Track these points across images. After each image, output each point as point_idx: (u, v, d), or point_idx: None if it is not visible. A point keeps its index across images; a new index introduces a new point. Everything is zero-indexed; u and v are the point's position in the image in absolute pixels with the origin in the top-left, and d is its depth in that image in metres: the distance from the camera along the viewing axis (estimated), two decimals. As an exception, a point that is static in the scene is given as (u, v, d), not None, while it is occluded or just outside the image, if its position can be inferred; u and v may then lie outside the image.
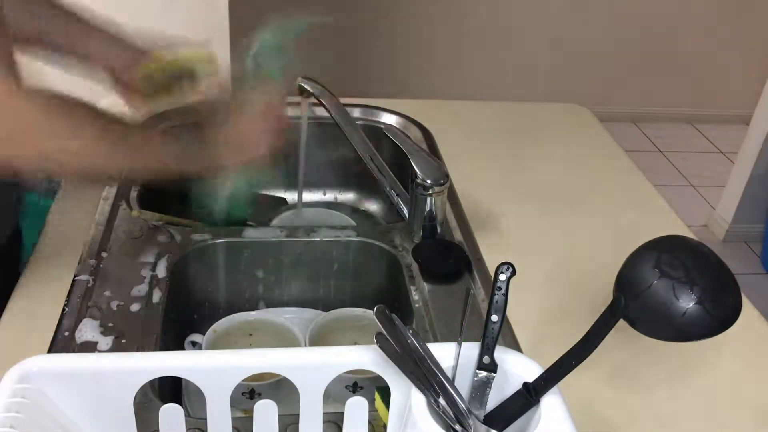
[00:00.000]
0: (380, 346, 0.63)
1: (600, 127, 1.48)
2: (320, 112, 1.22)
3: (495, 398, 0.65)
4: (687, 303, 0.58)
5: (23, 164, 0.73)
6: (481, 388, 0.64)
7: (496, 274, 0.66)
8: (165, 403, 0.64)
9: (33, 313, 0.88)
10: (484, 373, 0.64)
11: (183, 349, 0.98)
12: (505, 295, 0.65)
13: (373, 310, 0.63)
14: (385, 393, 0.68)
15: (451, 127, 1.32)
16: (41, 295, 0.90)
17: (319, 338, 0.96)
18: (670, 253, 0.60)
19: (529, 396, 0.63)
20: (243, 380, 0.64)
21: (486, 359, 0.64)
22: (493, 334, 0.64)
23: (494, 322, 0.65)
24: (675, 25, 3.50)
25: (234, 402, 0.65)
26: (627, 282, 0.62)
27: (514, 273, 0.66)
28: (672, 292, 0.58)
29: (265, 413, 0.65)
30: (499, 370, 0.64)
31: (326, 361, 0.65)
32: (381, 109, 1.38)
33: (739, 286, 0.62)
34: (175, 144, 0.91)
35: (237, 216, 1.08)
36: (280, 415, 0.66)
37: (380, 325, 0.63)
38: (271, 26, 0.93)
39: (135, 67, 0.93)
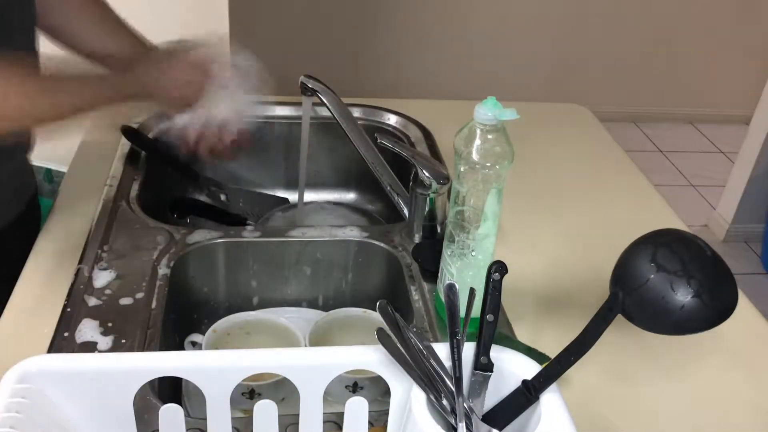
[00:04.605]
0: (381, 342, 0.63)
1: (600, 127, 1.48)
2: (321, 111, 1.22)
3: (494, 397, 0.65)
4: (685, 296, 0.58)
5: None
6: (478, 388, 0.64)
7: (489, 274, 0.66)
8: (165, 403, 0.64)
9: (33, 313, 0.88)
10: (480, 373, 0.64)
11: (183, 349, 0.98)
12: (499, 294, 0.66)
13: (372, 310, 0.64)
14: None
15: (451, 127, 1.33)
16: (41, 295, 0.90)
17: (319, 338, 0.96)
18: (666, 247, 0.60)
19: (528, 394, 0.63)
20: (243, 380, 0.64)
21: (483, 359, 0.64)
22: (489, 334, 0.64)
23: (489, 322, 0.65)
24: (675, 25, 3.50)
25: (234, 402, 0.65)
26: (624, 277, 0.62)
27: (506, 272, 0.66)
28: (669, 286, 0.58)
29: (265, 413, 0.65)
30: (496, 369, 0.64)
31: (326, 361, 0.65)
32: (381, 108, 1.38)
33: (740, 286, 0.62)
34: None
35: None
36: (280, 415, 0.66)
37: (383, 320, 0.63)
38: None
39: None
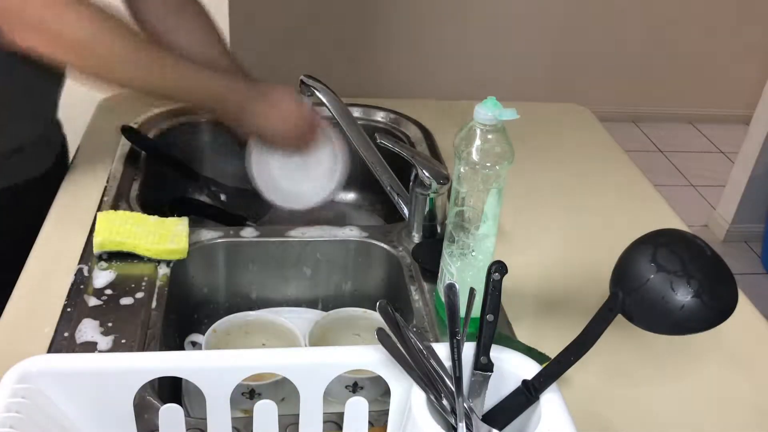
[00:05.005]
0: (381, 342, 0.63)
1: (600, 127, 1.48)
2: (322, 111, 1.22)
3: (494, 397, 0.65)
4: (685, 296, 0.58)
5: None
6: (478, 388, 0.64)
7: (489, 274, 0.66)
8: (165, 403, 0.64)
9: (33, 313, 0.88)
10: (480, 373, 0.64)
11: (183, 349, 0.98)
12: (499, 294, 0.65)
13: (372, 310, 0.64)
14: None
15: (451, 127, 1.33)
16: (41, 295, 0.90)
17: (319, 338, 0.96)
18: (666, 247, 0.60)
19: (528, 393, 0.63)
20: (243, 380, 0.64)
21: (483, 359, 0.64)
22: (489, 334, 0.64)
23: (489, 322, 0.65)
24: (675, 25, 3.50)
25: (234, 402, 0.65)
26: (624, 277, 0.62)
27: (506, 272, 0.66)
28: (669, 286, 0.58)
29: (265, 413, 0.65)
30: (496, 369, 0.64)
31: (326, 361, 0.65)
32: (381, 108, 1.38)
33: (740, 286, 0.62)
34: None
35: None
36: (280, 415, 0.66)
37: (383, 320, 0.63)
38: None
39: None
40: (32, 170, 1.09)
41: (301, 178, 1.14)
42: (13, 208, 1.06)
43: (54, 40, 0.88)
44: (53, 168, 1.14)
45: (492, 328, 0.65)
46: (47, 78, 1.04)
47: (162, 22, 1.08)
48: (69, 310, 0.87)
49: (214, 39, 1.13)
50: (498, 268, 0.66)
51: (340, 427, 0.69)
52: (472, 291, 0.68)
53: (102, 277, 0.93)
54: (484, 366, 0.64)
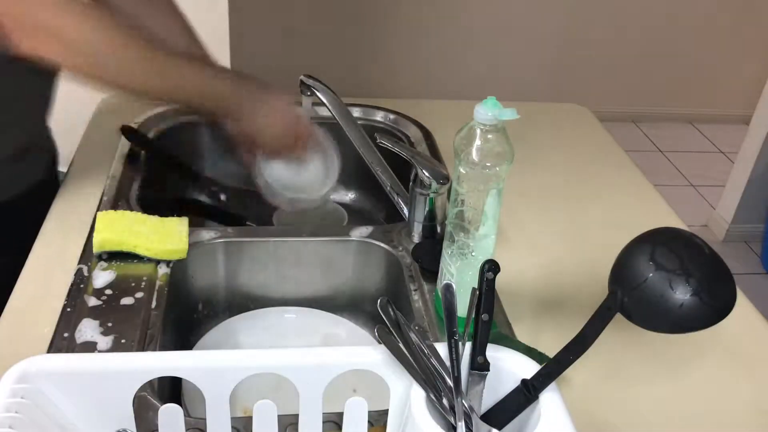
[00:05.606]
0: (381, 339, 0.63)
1: (600, 127, 1.48)
2: (321, 111, 1.22)
3: (493, 397, 0.65)
4: (684, 295, 0.58)
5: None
6: (475, 387, 0.64)
7: (483, 273, 0.66)
8: (165, 403, 0.64)
9: (33, 313, 0.88)
10: (477, 373, 0.64)
11: (183, 348, 0.98)
12: (493, 293, 0.65)
13: (372, 310, 0.63)
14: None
15: (451, 127, 1.33)
16: (41, 295, 0.90)
17: None
18: (665, 246, 0.61)
19: (527, 393, 0.63)
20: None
21: (479, 359, 0.64)
22: (484, 333, 0.64)
23: (485, 321, 0.65)
24: (675, 25, 3.50)
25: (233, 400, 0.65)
26: (622, 276, 0.62)
27: (498, 270, 0.66)
28: (668, 285, 0.58)
29: (265, 413, 0.65)
30: (495, 368, 0.64)
31: (326, 361, 0.65)
32: (381, 108, 1.38)
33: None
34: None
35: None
36: (279, 415, 0.66)
37: (383, 317, 0.63)
38: None
39: None
40: (26, 178, 1.08)
41: (298, 179, 1.14)
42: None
43: (52, 40, 0.86)
44: (45, 175, 1.13)
45: (487, 327, 0.65)
46: (40, 84, 1.03)
47: (132, 8, 1.05)
48: (69, 310, 0.87)
49: (185, 28, 1.11)
50: (491, 267, 0.66)
51: (340, 427, 0.69)
52: (474, 291, 0.68)
53: (102, 277, 0.93)
54: (480, 365, 0.64)
